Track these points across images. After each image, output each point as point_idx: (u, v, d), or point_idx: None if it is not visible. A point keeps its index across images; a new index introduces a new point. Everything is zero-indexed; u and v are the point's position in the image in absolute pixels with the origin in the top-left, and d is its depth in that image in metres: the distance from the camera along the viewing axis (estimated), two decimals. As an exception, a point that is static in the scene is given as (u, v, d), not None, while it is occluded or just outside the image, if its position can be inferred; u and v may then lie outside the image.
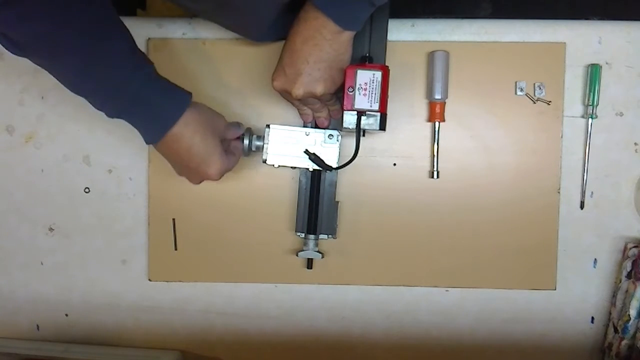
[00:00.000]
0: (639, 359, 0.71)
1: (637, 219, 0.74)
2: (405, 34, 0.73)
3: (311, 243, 0.72)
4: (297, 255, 0.72)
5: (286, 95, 0.65)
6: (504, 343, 0.77)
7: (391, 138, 0.73)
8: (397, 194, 0.74)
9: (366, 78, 0.65)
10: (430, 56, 0.72)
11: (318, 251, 0.72)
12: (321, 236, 0.72)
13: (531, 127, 0.73)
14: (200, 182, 0.66)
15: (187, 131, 0.61)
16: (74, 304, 0.78)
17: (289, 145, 0.69)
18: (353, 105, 0.65)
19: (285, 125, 0.69)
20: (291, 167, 0.71)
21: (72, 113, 0.75)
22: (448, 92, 0.71)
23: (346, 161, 0.67)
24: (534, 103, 0.73)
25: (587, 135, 0.73)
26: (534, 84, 0.73)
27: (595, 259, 0.75)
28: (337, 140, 0.69)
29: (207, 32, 0.74)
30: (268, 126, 0.69)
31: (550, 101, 0.73)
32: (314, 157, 0.69)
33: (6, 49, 0.55)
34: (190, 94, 0.62)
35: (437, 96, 0.71)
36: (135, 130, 0.74)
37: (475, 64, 0.73)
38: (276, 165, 0.69)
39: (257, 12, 0.63)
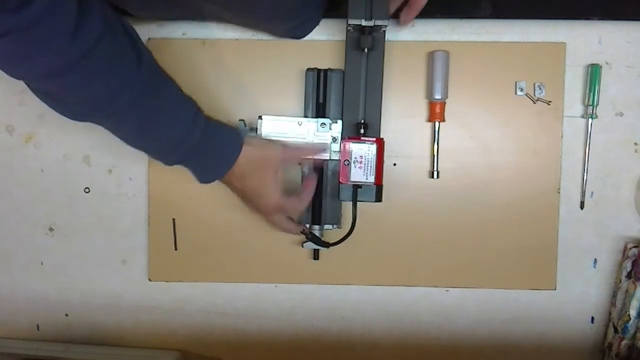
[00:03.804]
0: (639, 359, 0.71)
1: (637, 219, 0.74)
2: (405, 34, 0.73)
3: (316, 234, 0.72)
4: (302, 246, 0.72)
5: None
6: (504, 343, 0.77)
7: (391, 138, 0.73)
8: (397, 194, 0.74)
9: (361, 151, 0.67)
10: (430, 56, 0.72)
11: (324, 241, 0.72)
12: (326, 226, 0.72)
13: (531, 127, 0.73)
14: (264, 214, 0.68)
15: (240, 171, 0.63)
16: (74, 304, 0.78)
17: (282, 135, 0.69)
18: (349, 178, 0.67)
19: (277, 116, 0.69)
20: None
21: (72, 113, 0.75)
22: (448, 92, 0.71)
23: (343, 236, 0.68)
24: (534, 103, 0.73)
25: (587, 135, 0.73)
26: (534, 84, 0.73)
27: (595, 259, 0.75)
28: (330, 129, 0.69)
29: (207, 32, 0.74)
30: (260, 117, 0.69)
31: (550, 101, 0.73)
32: (311, 237, 0.69)
33: (63, 114, 0.57)
34: (240, 135, 0.63)
35: (437, 96, 0.71)
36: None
37: (475, 64, 0.73)
38: None
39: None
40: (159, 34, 0.74)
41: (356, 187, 0.67)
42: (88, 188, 0.76)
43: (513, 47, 0.73)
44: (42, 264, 0.78)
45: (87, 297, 0.78)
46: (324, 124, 0.69)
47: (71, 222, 0.77)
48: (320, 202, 0.71)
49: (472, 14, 0.75)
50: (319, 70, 0.71)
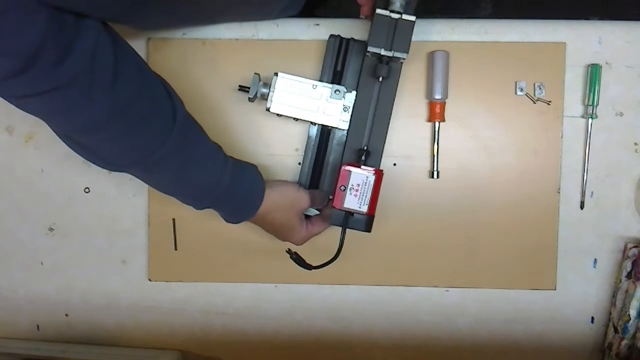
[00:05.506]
0: (639, 359, 0.71)
1: (637, 219, 0.74)
2: (405, 34, 0.73)
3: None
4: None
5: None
6: (504, 343, 0.77)
7: (391, 138, 0.73)
8: (397, 194, 0.74)
9: (359, 179, 0.66)
10: (430, 56, 0.72)
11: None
12: None
13: (531, 127, 0.73)
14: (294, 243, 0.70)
15: (267, 212, 0.65)
16: (74, 304, 0.78)
17: (295, 95, 0.68)
18: (342, 204, 0.66)
19: (293, 75, 0.68)
20: (294, 119, 0.70)
21: (72, 113, 0.75)
22: (448, 92, 0.71)
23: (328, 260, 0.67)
24: (534, 103, 0.73)
25: (587, 135, 0.73)
26: (534, 84, 0.73)
27: (595, 259, 0.75)
28: (343, 97, 0.69)
29: (207, 32, 0.73)
30: (276, 74, 0.68)
31: (550, 101, 0.73)
32: (295, 257, 0.68)
33: (97, 165, 0.57)
34: (263, 183, 0.65)
35: (437, 96, 0.71)
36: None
37: (475, 64, 0.73)
38: (279, 114, 0.69)
39: None
40: (159, 34, 0.74)
41: (348, 214, 0.67)
42: (88, 188, 0.76)
43: (513, 47, 0.73)
44: (42, 264, 0.78)
45: (87, 297, 0.78)
46: (338, 90, 0.69)
47: (71, 222, 0.77)
48: (322, 167, 0.71)
49: (472, 14, 0.75)
50: (341, 38, 0.70)
